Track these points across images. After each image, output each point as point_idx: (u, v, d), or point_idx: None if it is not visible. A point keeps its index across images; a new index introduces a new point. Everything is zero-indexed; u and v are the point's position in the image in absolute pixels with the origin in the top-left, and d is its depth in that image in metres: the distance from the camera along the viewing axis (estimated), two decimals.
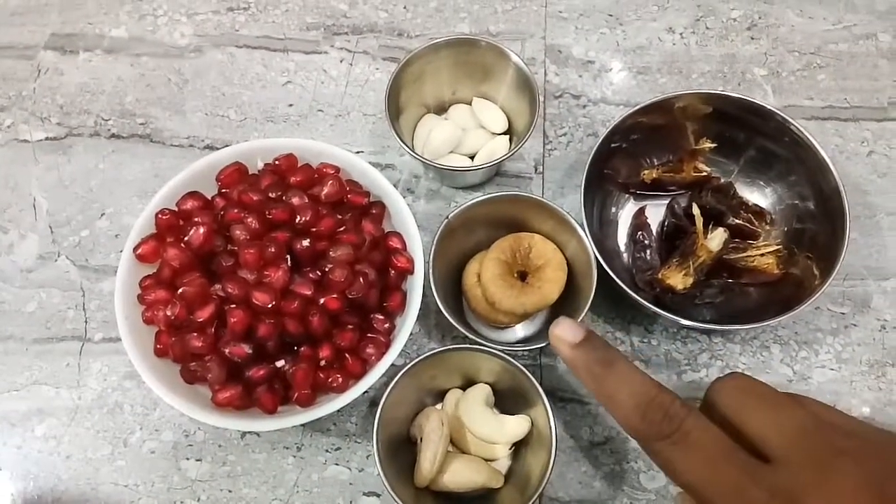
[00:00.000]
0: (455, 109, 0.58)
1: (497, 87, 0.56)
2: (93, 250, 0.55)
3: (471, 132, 0.56)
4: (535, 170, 0.58)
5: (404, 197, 0.56)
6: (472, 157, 0.56)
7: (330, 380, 0.45)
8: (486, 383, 0.49)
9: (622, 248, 0.54)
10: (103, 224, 0.56)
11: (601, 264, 0.46)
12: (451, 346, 0.45)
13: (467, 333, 0.46)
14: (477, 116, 0.57)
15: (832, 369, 0.51)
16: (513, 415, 0.48)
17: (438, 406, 0.50)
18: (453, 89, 0.57)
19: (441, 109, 0.59)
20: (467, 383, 0.49)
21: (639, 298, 0.46)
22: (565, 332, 0.35)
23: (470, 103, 0.58)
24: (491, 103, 0.57)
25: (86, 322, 0.53)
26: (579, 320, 0.45)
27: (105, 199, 0.57)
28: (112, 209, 0.56)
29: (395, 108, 0.53)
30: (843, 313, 0.52)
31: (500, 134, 0.56)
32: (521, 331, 0.53)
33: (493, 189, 0.57)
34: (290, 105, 0.60)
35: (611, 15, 0.64)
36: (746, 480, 0.27)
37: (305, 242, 0.45)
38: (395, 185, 0.56)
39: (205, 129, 0.59)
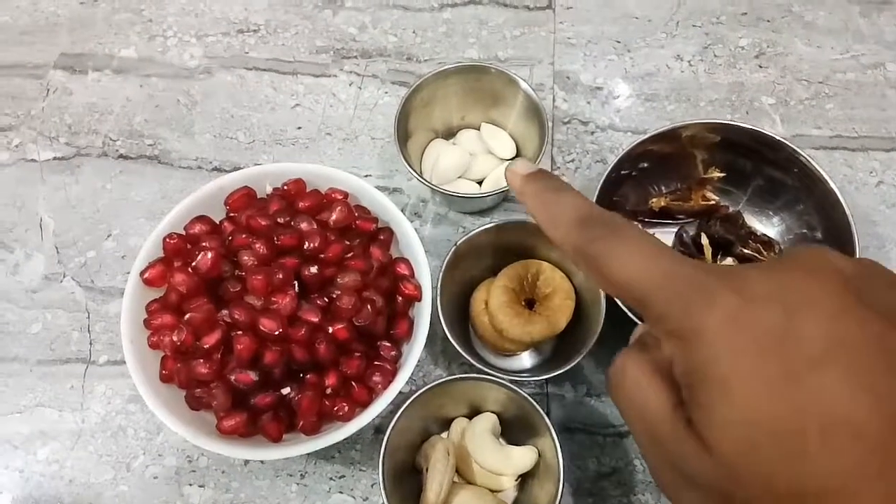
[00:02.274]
0: (463, 134, 0.58)
1: (506, 112, 0.56)
2: (98, 271, 0.55)
3: (479, 157, 0.56)
4: None
5: (412, 221, 0.56)
6: (479, 183, 0.56)
7: (336, 408, 0.44)
8: (492, 412, 0.48)
9: None
10: (110, 245, 0.56)
11: (610, 295, 0.46)
12: (457, 376, 0.45)
13: (474, 362, 0.46)
14: (485, 142, 0.57)
15: None
16: (519, 445, 0.48)
17: (444, 434, 0.49)
18: (462, 114, 0.57)
19: (449, 134, 0.59)
20: (473, 412, 0.49)
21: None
22: (518, 166, 0.33)
23: (478, 128, 0.58)
24: (500, 129, 0.57)
25: (90, 344, 0.53)
26: (587, 350, 0.45)
27: (112, 220, 0.57)
28: (119, 230, 0.56)
29: (403, 133, 0.53)
30: None
31: (508, 159, 0.56)
32: (528, 358, 0.53)
33: (500, 214, 0.57)
34: (299, 128, 0.60)
35: (619, 41, 0.64)
36: (697, 271, 0.23)
37: (313, 269, 0.45)
38: (402, 210, 0.56)
39: (213, 151, 0.59)
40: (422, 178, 0.52)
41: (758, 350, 0.21)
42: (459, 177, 0.56)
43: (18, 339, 0.53)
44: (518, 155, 0.57)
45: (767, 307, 0.22)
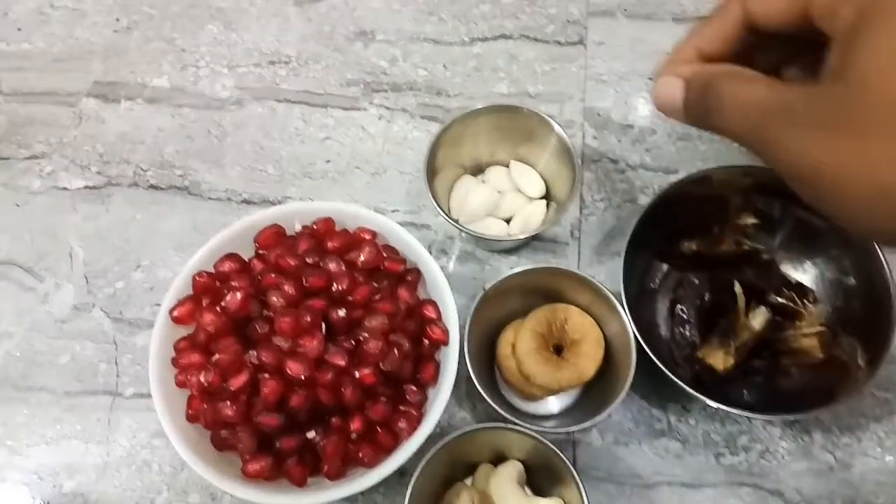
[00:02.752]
0: (492, 171, 0.58)
1: (537, 152, 0.55)
2: (127, 303, 0.55)
3: (507, 195, 0.56)
4: (572, 234, 0.57)
5: (438, 258, 0.56)
6: (507, 221, 0.56)
7: (361, 454, 0.44)
8: (518, 459, 0.48)
9: (661, 320, 0.53)
10: (139, 276, 0.56)
11: (640, 343, 0.45)
12: (483, 425, 0.44)
13: (501, 411, 0.45)
14: (514, 180, 0.56)
15: (875, 458, 0.49)
16: (545, 492, 0.47)
17: (469, 480, 0.49)
18: (491, 151, 0.57)
19: (478, 170, 0.58)
20: (499, 458, 0.48)
21: (679, 381, 0.45)
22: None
23: (507, 165, 0.58)
24: (529, 168, 0.57)
25: (117, 376, 0.53)
26: (619, 400, 0.45)
27: (141, 250, 0.57)
28: (148, 261, 0.57)
29: (432, 169, 0.53)
30: (887, 399, 0.51)
31: (537, 198, 0.56)
32: (555, 402, 0.52)
33: (528, 253, 0.57)
34: (328, 161, 0.60)
35: (651, 79, 0.63)
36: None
37: (341, 312, 0.45)
38: (429, 247, 0.56)
39: (242, 184, 0.59)
40: (450, 217, 0.52)
41: None
42: (488, 215, 0.56)
43: (47, 370, 0.53)
44: (547, 194, 0.56)
45: None
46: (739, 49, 0.35)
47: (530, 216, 0.55)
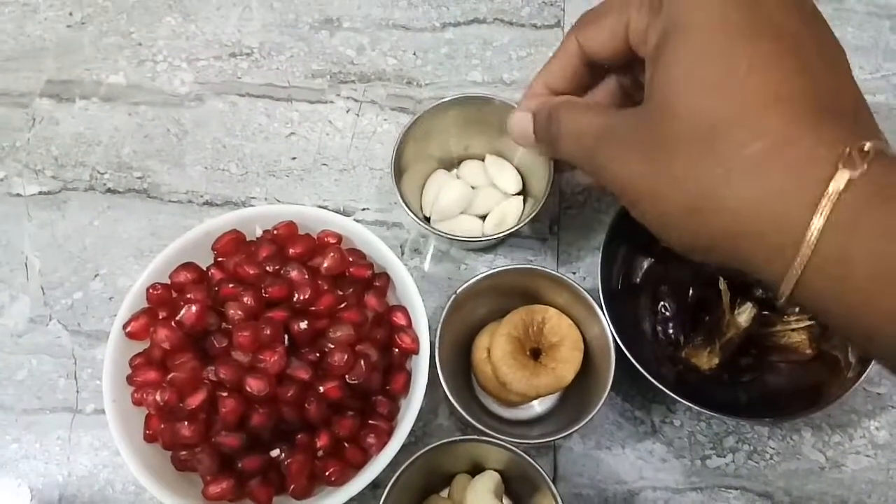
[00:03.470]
0: (467, 166, 0.55)
1: (512, 145, 0.52)
2: (85, 314, 0.53)
3: (482, 191, 0.53)
4: (551, 230, 0.54)
5: (412, 258, 0.54)
6: (482, 218, 0.53)
7: (328, 472, 0.42)
8: (495, 469, 0.46)
9: (643, 317, 0.51)
10: (97, 286, 0.53)
11: (620, 346, 0.43)
12: (458, 438, 0.42)
13: (476, 423, 0.43)
14: (490, 175, 0.54)
15: (868, 456, 0.47)
16: (523, 503, 0.45)
17: (444, 492, 0.47)
18: (465, 144, 0.54)
19: (451, 164, 0.56)
20: (476, 468, 0.46)
21: (662, 387, 0.43)
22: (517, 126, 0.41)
23: (482, 159, 0.55)
24: (506, 162, 0.54)
25: (77, 392, 0.51)
26: (598, 407, 0.42)
27: (99, 258, 0.54)
28: (106, 270, 0.54)
29: (399, 167, 0.50)
30: (879, 394, 0.49)
31: (513, 194, 0.53)
32: (535, 407, 0.50)
33: (504, 250, 0.54)
34: (294, 158, 0.57)
35: None
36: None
37: (303, 324, 0.42)
38: (402, 246, 0.54)
39: (204, 184, 0.56)
40: (420, 217, 0.49)
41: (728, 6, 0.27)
42: (462, 212, 0.53)
43: (3, 387, 0.51)
44: (524, 189, 0.54)
45: None
46: (584, 81, 0.38)
47: (506, 213, 0.52)
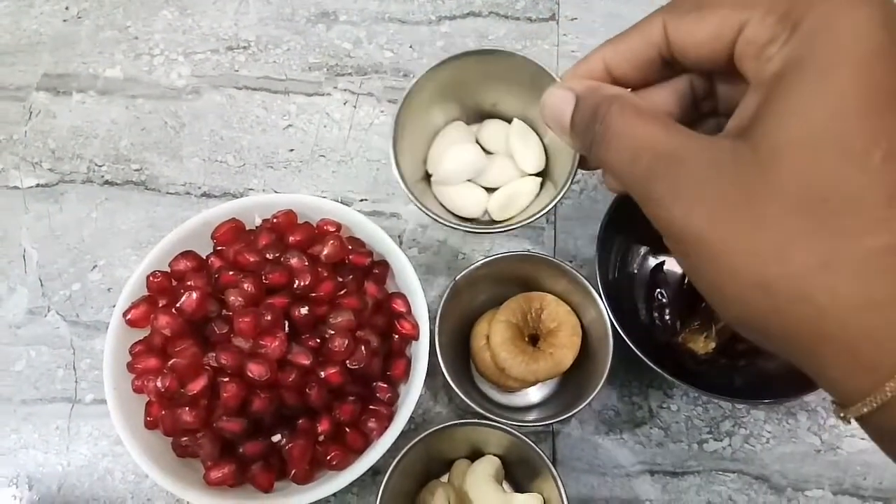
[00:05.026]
0: (490, 126, 0.51)
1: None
2: (84, 305, 0.53)
3: (497, 160, 0.49)
4: (547, 219, 0.55)
5: (410, 248, 0.54)
6: (489, 191, 0.50)
7: (329, 457, 0.42)
8: (495, 454, 0.46)
9: (640, 304, 0.52)
10: (95, 277, 0.53)
11: (618, 331, 0.44)
12: (458, 422, 0.42)
13: (475, 406, 0.43)
14: (510, 145, 0.49)
15: (863, 438, 0.48)
16: (524, 487, 0.46)
17: (445, 477, 0.47)
18: (493, 101, 0.50)
19: (475, 119, 0.52)
20: (476, 454, 0.47)
21: (657, 369, 0.43)
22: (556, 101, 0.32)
23: (510, 121, 0.50)
24: (533, 135, 0.49)
25: (76, 382, 0.51)
26: (596, 391, 0.43)
27: (97, 250, 0.54)
28: (104, 261, 0.54)
29: (409, 114, 0.46)
30: None
31: (530, 174, 0.50)
32: (534, 393, 0.50)
33: (503, 238, 0.55)
34: (291, 150, 0.57)
35: None
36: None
37: (304, 310, 0.43)
38: (400, 236, 0.54)
39: (202, 176, 0.56)
40: (420, 175, 0.48)
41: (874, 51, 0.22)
42: (468, 179, 0.50)
43: (2, 378, 0.51)
44: (545, 170, 0.50)
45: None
46: (653, 76, 0.30)
47: (517, 194, 0.49)
